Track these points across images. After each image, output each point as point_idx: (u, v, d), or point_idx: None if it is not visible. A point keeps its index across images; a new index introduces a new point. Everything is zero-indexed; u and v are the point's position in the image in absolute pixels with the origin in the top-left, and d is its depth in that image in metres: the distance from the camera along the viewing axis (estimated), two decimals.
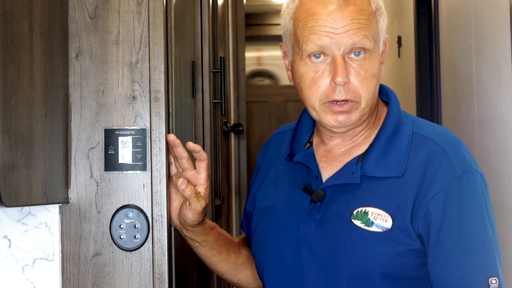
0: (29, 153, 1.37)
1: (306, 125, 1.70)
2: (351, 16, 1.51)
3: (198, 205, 1.61)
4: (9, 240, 1.55)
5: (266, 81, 7.62)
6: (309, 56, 1.53)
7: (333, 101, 1.53)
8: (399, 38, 4.78)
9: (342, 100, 1.53)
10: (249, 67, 7.18)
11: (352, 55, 1.52)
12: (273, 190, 1.70)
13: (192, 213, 1.62)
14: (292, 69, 1.61)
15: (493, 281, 1.50)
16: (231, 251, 1.79)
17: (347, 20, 1.51)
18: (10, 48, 1.29)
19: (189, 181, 1.62)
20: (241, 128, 3.82)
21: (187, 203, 1.62)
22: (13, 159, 1.31)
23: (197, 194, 1.61)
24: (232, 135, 4.16)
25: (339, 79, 1.50)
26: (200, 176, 1.63)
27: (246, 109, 4.51)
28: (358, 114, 1.55)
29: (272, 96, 7.14)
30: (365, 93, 1.53)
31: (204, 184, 1.64)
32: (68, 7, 1.56)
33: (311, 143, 1.67)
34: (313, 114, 1.58)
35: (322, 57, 1.53)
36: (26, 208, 1.55)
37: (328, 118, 1.55)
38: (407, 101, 4.40)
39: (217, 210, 2.88)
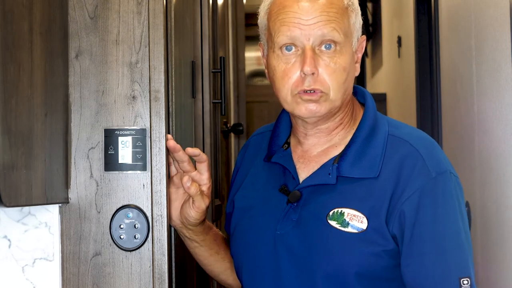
0: (29, 153, 1.37)
1: (284, 126, 1.72)
2: (320, 9, 1.55)
3: (202, 203, 1.63)
4: (9, 240, 1.55)
5: (266, 81, 7.61)
6: (281, 48, 1.57)
7: (302, 90, 1.55)
8: (399, 38, 4.78)
9: (311, 90, 1.55)
10: (249, 67, 7.17)
11: (323, 48, 1.55)
12: (251, 191, 1.72)
13: (195, 211, 1.63)
14: (267, 63, 1.64)
15: (465, 282, 1.52)
16: (228, 251, 1.80)
17: (317, 13, 1.54)
18: (10, 48, 1.29)
19: (192, 181, 1.63)
20: (241, 128, 3.83)
21: (190, 201, 1.63)
22: (13, 159, 1.31)
23: (201, 192, 1.62)
24: (232, 135, 4.16)
25: (307, 68, 1.53)
26: (203, 176, 1.64)
27: (246, 109, 4.51)
28: (327, 106, 1.57)
29: (272, 96, 7.09)
30: (334, 85, 1.55)
31: (207, 183, 1.65)
32: (68, 7, 1.56)
33: (289, 144, 1.69)
34: (286, 106, 1.60)
35: (293, 49, 1.56)
36: (26, 208, 1.55)
37: (299, 108, 1.57)
38: (407, 101, 4.40)
39: (217, 210, 2.88)
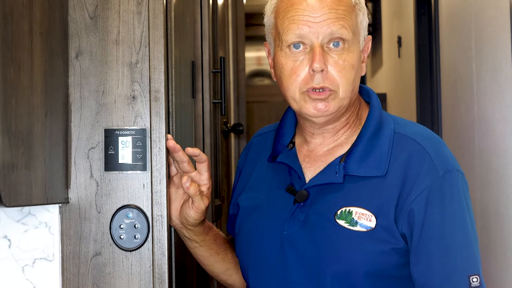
0: (29, 153, 1.37)
1: (288, 126, 1.71)
2: (329, 6, 1.55)
3: (202, 204, 1.63)
4: (9, 240, 1.55)
5: (266, 81, 7.62)
6: (289, 46, 1.56)
7: (311, 88, 1.55)
8: (399, 38, 4.78)
9: (320, 88, 1.54)
10: (249, 67, 7.18)
11: (331, 46, 1.55)
12: (256, 191, 1.71)
13: (195, 212, 1.63)
14: (273, 62, 1.63)
15: (474, 279, 1.52)
16: (228, 251, 1.80)
17: (325, 10, 1.54)
18: (10, 48, 1.29)
19: (192, 181, 1.63)
20: (241, 128, 3.83)
21: (190, 201, 1.63)
22: (13, 159, 1.31)
23: (200, 192, 1.62)
24: (232, 135, 4.16)
25: (316, 65, 1.53)
26: (203, 176, 1.64)
27: (246, 109, 4.51)
28: (336, 104, 1.56)
29: (272, 96, 7.14)
30: (343, 82, 1.55)
31: (207, 183, 1.65)
32: (68, 7, 1.56)
33: (294, 143, 1.68)
34: (293, 104, 1.59)
35: (301, 47, 1.56)
36: (26, 208, 1.55)
37: (307, 107, 1.57)
38: (407, 101, 4.40)
39: (217, 210, 2.88)
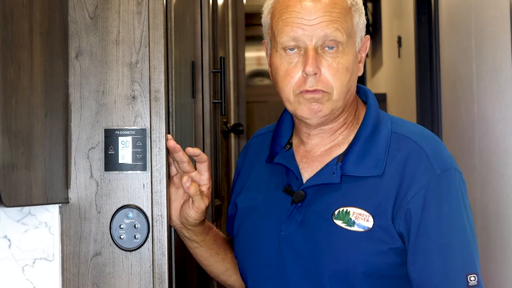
0: (29, 153, 1.37)
1: (286, 127, 1.72)
2: (323, 9, 1.55)
3: (202, 203, 1.63)
4: (9, 240, 1.55)
5: (266, 81, 7.62)
6: (284, 48, 1.57)
7: (304, 90, 1.55)
8: (399, 38, 4.78)
9: (313, 90, 1.55)
10: (249, 67, 7.18)
11: (326, 48, 1.55)
12: (254, 192, 1.71)
13: (195, 212, 1.63)
14: (270, 62, 1.64)
15: (472, 278, 1.52)
16: (228, 251, 1.80)
17: (320, 13, 1.54)
18: (10, 48, 1.30)
19: (192, 181, 1.63)
20: (241, 128, 3.83)
21: (190, 201, 1.63)
22: (13, 159, 1.31)
23: (201, 192, 1.62)
24: (232, 135, 4.16)
25: (308, 68, 1.53)
26: (203, 176, 1.64)
27: (246, 109, 4.51)
28: (330, 106, 1.56)
29: (272, 96, 7.14)
30: (337, 85, 1.55)
31: (207, 183, 1.65)
32: (68, 7, 1.56)
33: (291, 144, 1.69)
34: (288, 106, 1.60)
35: (296, 49, 1.56)
36: (26, 208, 1.55)
37: (302, 108, 1.57)
38: (407, 101, 4.40)
39: (217, 210, 2.88)
